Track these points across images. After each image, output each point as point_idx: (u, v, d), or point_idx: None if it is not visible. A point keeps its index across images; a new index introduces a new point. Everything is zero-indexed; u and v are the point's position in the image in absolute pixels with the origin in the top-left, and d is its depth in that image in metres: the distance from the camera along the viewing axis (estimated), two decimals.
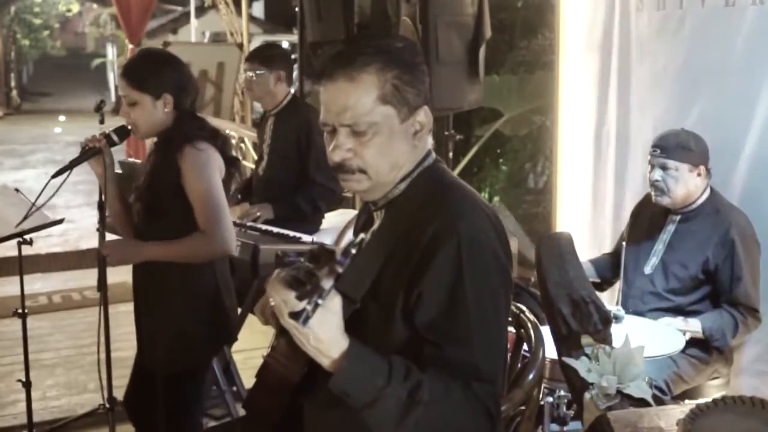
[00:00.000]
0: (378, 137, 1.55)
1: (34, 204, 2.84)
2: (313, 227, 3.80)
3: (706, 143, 2.91)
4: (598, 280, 3.18)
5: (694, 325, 2.78)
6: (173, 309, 2.61)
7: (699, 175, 2.87)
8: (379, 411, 1.43)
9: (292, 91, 4.05)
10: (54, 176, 2.60)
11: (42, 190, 2.68)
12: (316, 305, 1.31)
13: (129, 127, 2.63)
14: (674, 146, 2.87)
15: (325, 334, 1.39)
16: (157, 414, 2.77)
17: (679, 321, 2.79)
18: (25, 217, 2.88)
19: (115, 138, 2.64)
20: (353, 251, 1.32)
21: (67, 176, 2.62)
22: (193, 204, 2.54)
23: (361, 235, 1.41)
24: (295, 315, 1.33)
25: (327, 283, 1.31)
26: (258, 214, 3.67)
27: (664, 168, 2.88)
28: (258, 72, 3.77)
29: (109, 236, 2.92)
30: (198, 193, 2.53)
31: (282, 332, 1.48)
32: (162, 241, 2.57)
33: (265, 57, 3.82)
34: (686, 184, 2.87)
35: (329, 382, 1.42)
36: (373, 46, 1.56)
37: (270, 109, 3.93)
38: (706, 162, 2.89)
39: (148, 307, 2.70)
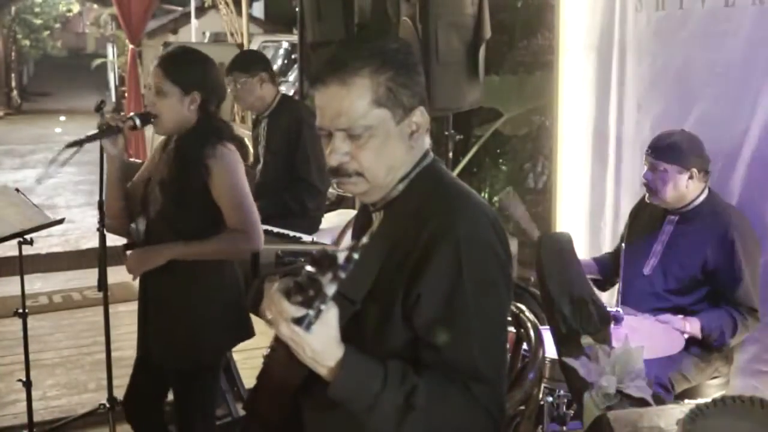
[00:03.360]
0: (374, 140, 1.55)
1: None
2: (313, 227, 3.80)
3: (703, 146, 2.91)
4: (599, 278, 3.18)
5: (693, 324, 2.78)
6: (193, 304, 2.61)
7: (691, 177, 2.87)
8: (376, 416, 1.44)
9: (284, 90, 4.06)
10: (69, 146, 2.57)
11: (53, 159, 2.63)
12: (319, 311, 1.31)
13: (153, 116, 2.62)
14: (664, 147, 2.88)
15: (320, 345, 1.39)
16: (162, 414, 2.77)
17: (678, 319, 2.80)
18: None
19: (137, 122, 2.62)
20: (356, 256, 1.32)
21: (74, 155, 2.59)
22: (225, 202, 2.55)
23: (364, 239, 1.41)
24: (297, 321, 1.33)
25: (330, 289, 1.31)
26: None
27: (653, 168, 2.89)
28: (241, 80, 3.80)
29: (109, 237, 2.93)
30: (233, 191, 2.55)
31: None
32: (189, 240, 2.56)
33: (243, 64, 3.85)
34: (675, 186, 2.88)
35: (327, 390, 1.43)
36: (366, 49, 1.55)
37: (262, 112, 3.94)
38: (701, 165, 2.89)
39: (164, 304, 2.66)
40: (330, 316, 1.39)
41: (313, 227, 3.79)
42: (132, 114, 2.65)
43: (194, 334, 2.62)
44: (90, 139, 2.59)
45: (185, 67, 2.61)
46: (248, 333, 2.80)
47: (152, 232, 2.67)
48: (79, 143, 2.58)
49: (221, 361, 2.80)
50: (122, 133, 2.61)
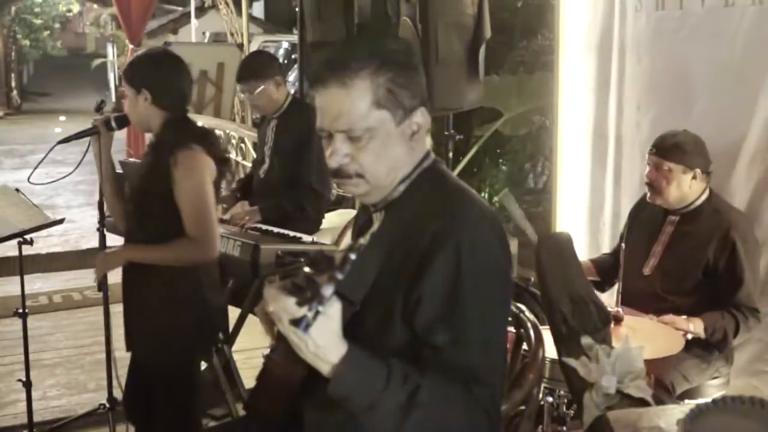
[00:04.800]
0: (374, 141, 1.54)
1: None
2: (313, 227, 3.80)
3: (706, 146, 2.91)
4: (598, 279, 3.18)
5: (697, 325, 2.78)
6: (159, 308, 2.67)
7: (694, 177, 2.87)
8: (377, 415, 1.43)
9: (292, 91, 4.04)
10: (60, 142, 2.89)
11: (47, 154, 2.92)
12: (317, 312, 1.31)
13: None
14: (670, 147, 2.88)
15: (324, 340, 1.38)
16: (154, 411, 2.80)
17: (682, 320, 2.79)
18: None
19: (113, 123, 2.80)
20: (353, 257, 1.31)
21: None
22: (181, 209, 2.58)
23: (361, 240, 1.41)
24: (295, 322, 1.33)
25: (327, 290, 1.31)
26: (247, 218, 3.66)
27: (657, 167, 2.89)
28: (259, 89, 3.76)
29: (109, 237, 2.94)
30: (188, 199, 2.58)
31: (281, 335, 1.48)
32: (147, 244, 2.64)
33: (258, 70, 3.79)
34: (679, 186, 2.88)
35: (328, 387, 1.42)
36: (365, 50, 1.55)
37: (271, 113, 3.92)
38: (704, 165, 2.89)
39: (136, 307, 2.75)
40: (333, 312, 1.38)
41: (313, 228, 3.79)
42: (111, 115, 2.81)
43: (164, 337, 2.67)
44: (75, 137, 2.85)
45: (136, 67, 2.73)
46: (216, 335, 2.88)
47: (129, 232, 2.77)
48: (67, 140, 2.87)
49: (199, 359, 2.83)
50: (99, 134, 2.78)
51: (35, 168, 2.91)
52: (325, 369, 1.41)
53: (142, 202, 2.67)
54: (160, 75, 2.69)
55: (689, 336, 2.73)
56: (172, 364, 2.70)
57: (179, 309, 2.66)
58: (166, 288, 2.65)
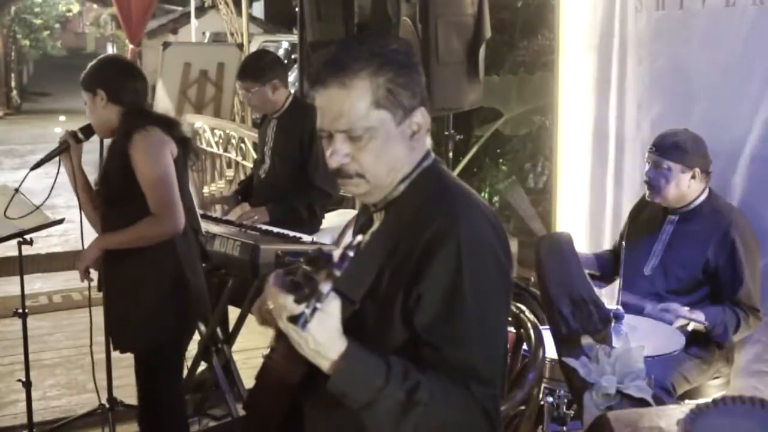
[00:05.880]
0: (374, 141, 1.54)
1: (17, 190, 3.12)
2: (313, 227, 3.80)
3: (706, 145, 2.91)
4: (598, 274, 3.18)
5: (698, 316, 2.77)
6: (138, 290, 2.72)
7: (693, 177, 2.88)
8: (377, 412, 1.43)
9: (292, 91, 4.04)
10: (32, 168, 2.91)
11: (23, 180, 3.01)
12: (315, 309, 1.31)
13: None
14: (669, 146, 2.88)
15: (323, 337, 1.39)
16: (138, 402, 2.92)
17: (684, 309, 2.79)
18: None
19: (80, 135, 2.87)
20: (351, 254, 1.32)
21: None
22: (143, 188, 2.63)
23: (359, 238, 1.41)
24: (293, 319, 1.33)
25: (325, 287, 1.31)
26: (255, 217, 3.66)
27: (657, 166, 2.90)
28: (253, 90, 3.76)
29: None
30: (147, 176, 2.63)
31: (281, 333, 1.48)
32: (117, 229, 2.71)
33: (256, 72, 3.78)
34: (678, 185, 2.88)
35: (328, 383, 1.42)
36: (365, 50, 1.54)
37: (272, 113, 3.91)
38: (704, 165, 2.89)
39: (115, 292, 2.80)
40: (332, 309, 1.39)
41: (313, 228, 3.79)
42: (76, 129, 2.86)
43: (145, 319, 2.73)
44: (46, 159, 2.89)
45: (89, 73, 2.80)
46: (198, 315, 2.93)
47: (103, 226, 2.86)
48: (40, 164, 2.89)
49: (179, 344, 2.88)
50: (69, 148, 2.86)
51: (17, 188, 3.01)
52: (325, 365, 1.42)
53: (109, 192, 2.75)
54: (113, 74, 2.77)
55: (690, 327, 2.73)
56: (155, 344, 2.75)
57: (159, 289, 2.71)
58: (143, 270, 2.71)
